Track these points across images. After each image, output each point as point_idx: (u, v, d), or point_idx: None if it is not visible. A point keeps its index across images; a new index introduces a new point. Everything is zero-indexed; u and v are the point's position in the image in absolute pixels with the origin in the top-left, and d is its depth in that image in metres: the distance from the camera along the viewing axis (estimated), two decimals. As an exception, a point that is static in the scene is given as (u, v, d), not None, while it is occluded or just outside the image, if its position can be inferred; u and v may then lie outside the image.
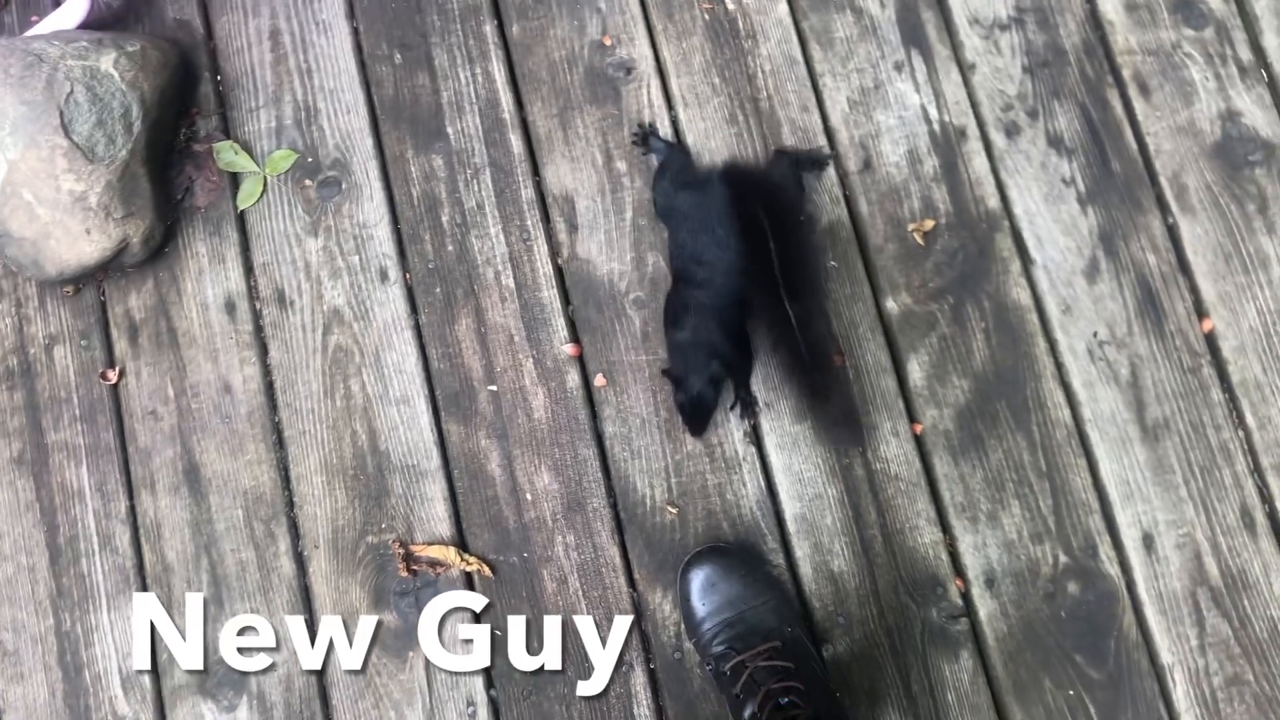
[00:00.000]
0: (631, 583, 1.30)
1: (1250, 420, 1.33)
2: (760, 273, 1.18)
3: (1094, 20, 1.44)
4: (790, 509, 1.31)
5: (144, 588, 1.31)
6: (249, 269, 1.39)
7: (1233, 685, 1.26)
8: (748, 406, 1.31)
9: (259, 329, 1.37)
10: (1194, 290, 1.36)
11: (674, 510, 1.31)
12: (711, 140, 1.40)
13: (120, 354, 1.36)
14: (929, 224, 1.37)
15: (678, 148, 1.35)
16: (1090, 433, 1.32)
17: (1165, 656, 1.27)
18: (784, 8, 1.44)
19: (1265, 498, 1.31)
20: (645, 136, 1.36)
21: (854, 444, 1.30)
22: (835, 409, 1.27)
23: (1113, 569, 1.29)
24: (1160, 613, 1.28)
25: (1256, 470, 1.32)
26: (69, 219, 1.26)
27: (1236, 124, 1.40)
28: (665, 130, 1.41)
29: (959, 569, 1.30)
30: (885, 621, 1.28)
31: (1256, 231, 1.38)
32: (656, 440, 1.33)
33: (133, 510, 1.33)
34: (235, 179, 1.40)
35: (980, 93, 1.42)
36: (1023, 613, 1.28)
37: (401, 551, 1.30)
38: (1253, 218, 1.38)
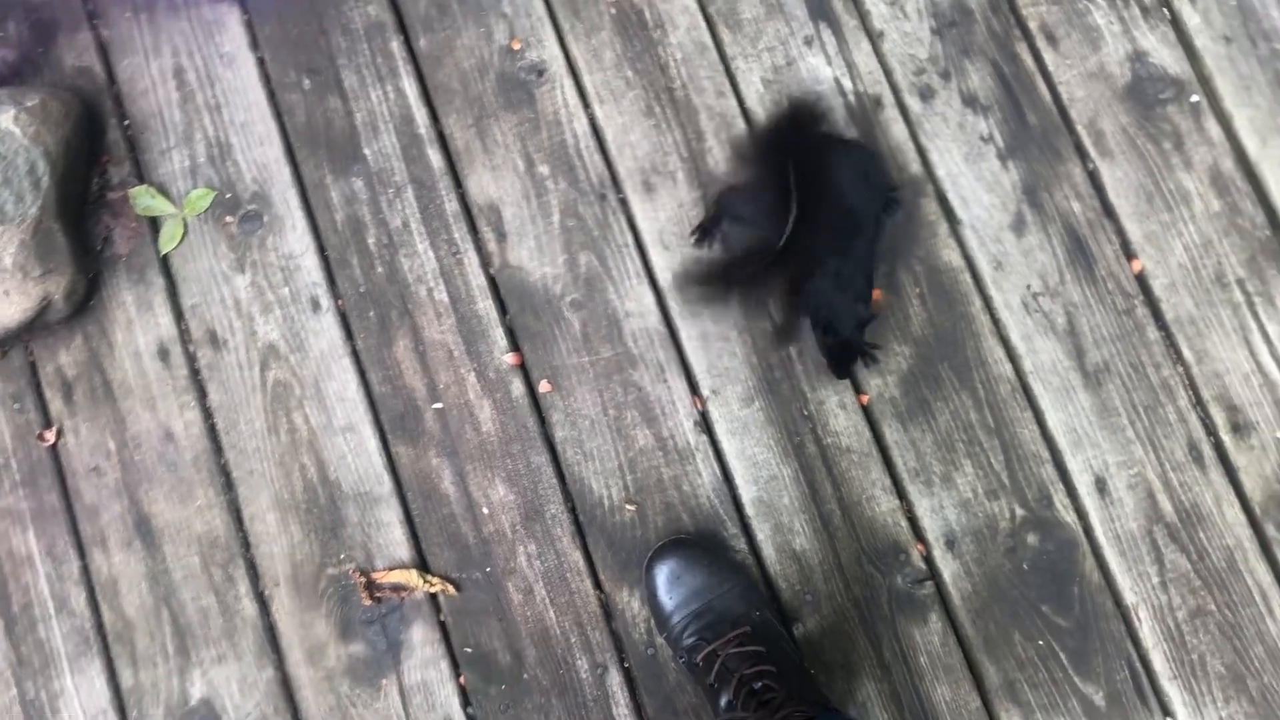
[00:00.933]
0: (598, 585, 1.30)
1: (1188, 355, 1.34)
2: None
3: (996, -24, 1.45)
4: (747, 493, 1.32)
5: (105, 647, 1.29)
6: (179, 313, 1.36)
7: (1196, 617, 1.28)
8: (867, 354, 1.34)
9: (195, 372, 1.35)
10: (1120, 233, 1.38)
11: (632, 507, 1.31)
12: (631, 133, 1.40)
13: (56, 413, 1.34)
14: None
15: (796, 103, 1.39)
16: (1033, 384, 1.33)
17: (1129, 596, 1.29)
18: (689, -6, 1.44)
19: (1210, 430, 1.33)
20: (705, 229, 1.38)
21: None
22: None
23: (1069, 516, 1.31)
24: (1120, 554, 1.30)
25: (1199, 404, 1.33)
26: (-15, 283, 1.24)
27: (1145, 64, 1.41)
28: (584, 128, 1.39)
29: (919, 533, 1.31)
30: (852, 594, 1.29)
31: (1175, 168, 1.39)
32: (608, 439, 1.33)
33: (86, 570, 1.31)
34: (155, 223, 1.38)
35: (891, 59, 1.43)
36: (985, 570, 1.29)
37: (363, 580, 1.29)
38: (1170, 155, 1.39)
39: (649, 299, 1.36)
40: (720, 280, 1.32)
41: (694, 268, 1.33)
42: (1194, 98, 1.41)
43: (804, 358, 1.34)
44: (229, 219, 1.38)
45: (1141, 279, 1.36)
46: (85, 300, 1.34)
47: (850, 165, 1.31)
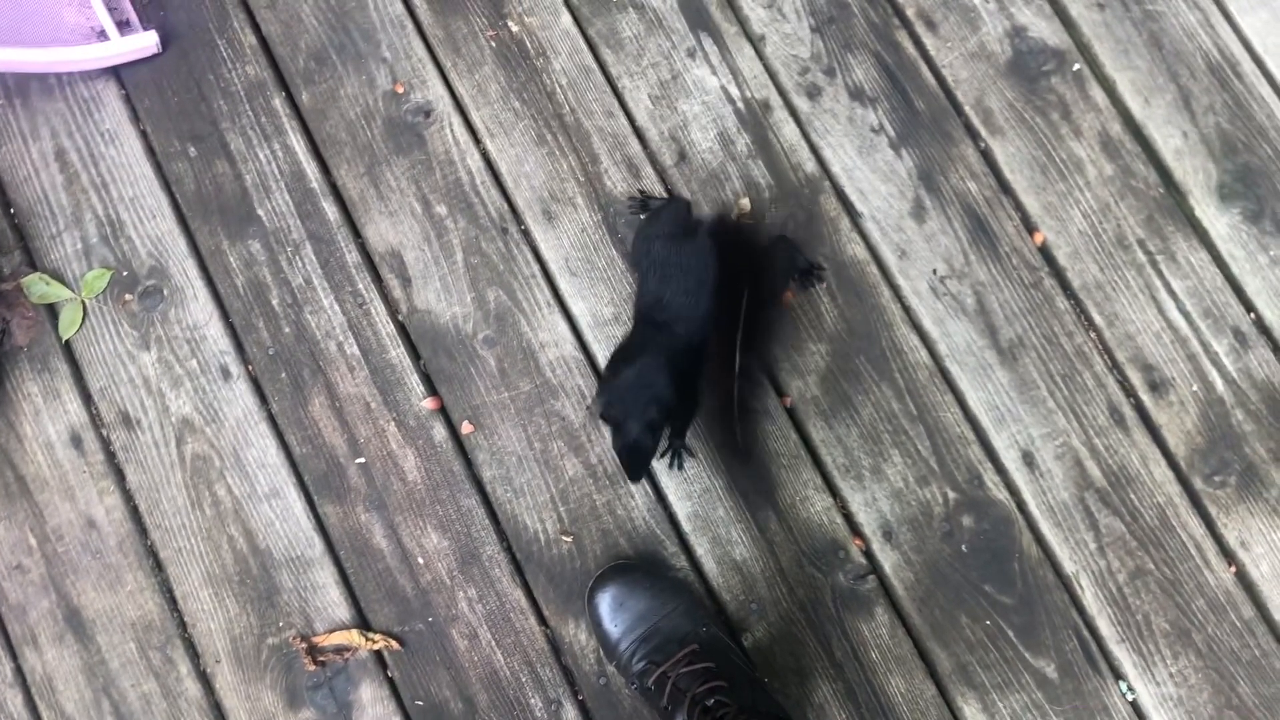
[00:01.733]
0: (542, 621, 1.29)
1: (1099, 320, 1.36)
2: (724, 328, 1.21)
3: (868, -32, 1.46)
4: (681, 509, 1.31)
5: (47, 747, 1.26)
6: (87, 397, 1.34)
7: (1136, 578, 1.29)
8: (677, 455, 1.30)
9: (111, 455, 1.33)
10: (1019, 207, 1.39)
11: (569, 539, 1.30)
12: (525, 164, 1.39)
13: (-30, 515, 1.31)
14: (745, 203, 1.37)
15: (678, 199, 1.35)
16: (950, 367, 1.34)
17: (1068, 566, 1.30)
18: (567, 19, 1.44)
19: (1128, 391, 1.34)
20: (644, 201, 1.36)
21: (765, 495, 1.32)
22: (751, 465, 1.31)
23: (1001, 494, 1.31)
24: (1055, 525, 1.31)
25: (1115, 367, 1.35)
26: (-125, 394, 1.21)
27: (1024, 38, 1.43)
28: (477, 164, 1.39)
29: (855, 529, 1.31)
30: (796, 597, 1.29)
31: (1065, 138, 1.41)
32: (537, 473, 1.32)
33: (19, 670, 1.28)
34: (53, 310, 1.36)
35: (775, 62, 1.43)
36: (925, 557, 1.30)
37: (304, 646, 1.27)
38: (1058, 125, 1.41)
39: (562, 327, 1.35)
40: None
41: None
42: (1075, 66, 1.43)
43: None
44: (128, 297, 1.36)
45: (1045, 250, 1.37)
46: (-12, 397, 1.31)
47: (673, 251, 1.24)
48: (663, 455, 1.29)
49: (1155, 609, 1.29)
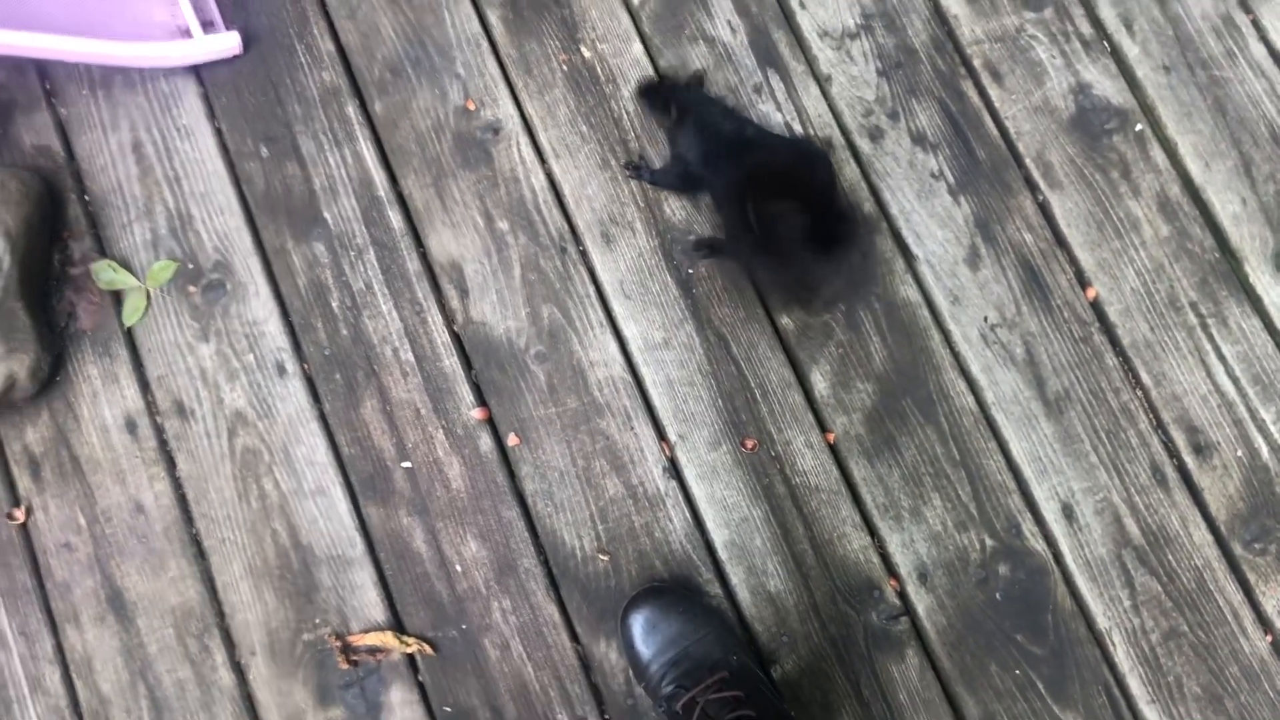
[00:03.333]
0: (574, 637, 1.30)
1: (1146, 379, 1.36)
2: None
3: (938, 16, 1.48)
4: (719, 537, 1.32)
5: (81, 725, 1.28)
6: (144, 385, 1.37)
7: (1170, 639, 1.29)
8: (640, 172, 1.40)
9: (163, 443, 1.35)
10: (1073, 262, 1.40)
11: (605, 557, 1.32)
12: (588, 186, 1.42)
13: (24, 491, 1.34)
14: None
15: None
16: (996, 415, 1.35)
17: (1102, 621, 1.30)
18: (639, 48, 1.47)
19: (1172, 452, 1.34)
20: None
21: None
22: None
23: (1039, 544, 1.32)
24: (1090, 580, 1.31)
25: (1159, 426, 1.35)
26: (-52, 365, 1.24)
27: (1088, 96, 1.45)
28: (541, 183, 1.41)
29: (891, 569, 1.31)
30: (828, 633, 1.29)
31: (1123, 196, 1.42)
32: (578, 490, 1.33)
33: (60, 647, 1.30)
34: (118, 297, 1.39)
35: (840, 102, 1.45)
36: (959, 602, 1.30)
37: (339, 644, 1.29)
38: (1118, 183, 1.42)
39: (613, 348, 1.37)
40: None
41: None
42: (1138, 126, 1.44)
43: (769, 397, 1.35)
44: (192, 289, 1.39)
45: (1096, 306, 1.38)
46: (51, 377, 1.35)
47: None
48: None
49: (1188, 672, 1.28)
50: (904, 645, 1.29)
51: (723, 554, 1.31)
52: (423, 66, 1.46)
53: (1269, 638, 1.28)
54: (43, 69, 1.44)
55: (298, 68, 1.46)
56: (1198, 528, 1.32)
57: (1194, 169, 1.42)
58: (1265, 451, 1.33)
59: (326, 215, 1.41)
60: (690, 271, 1.39)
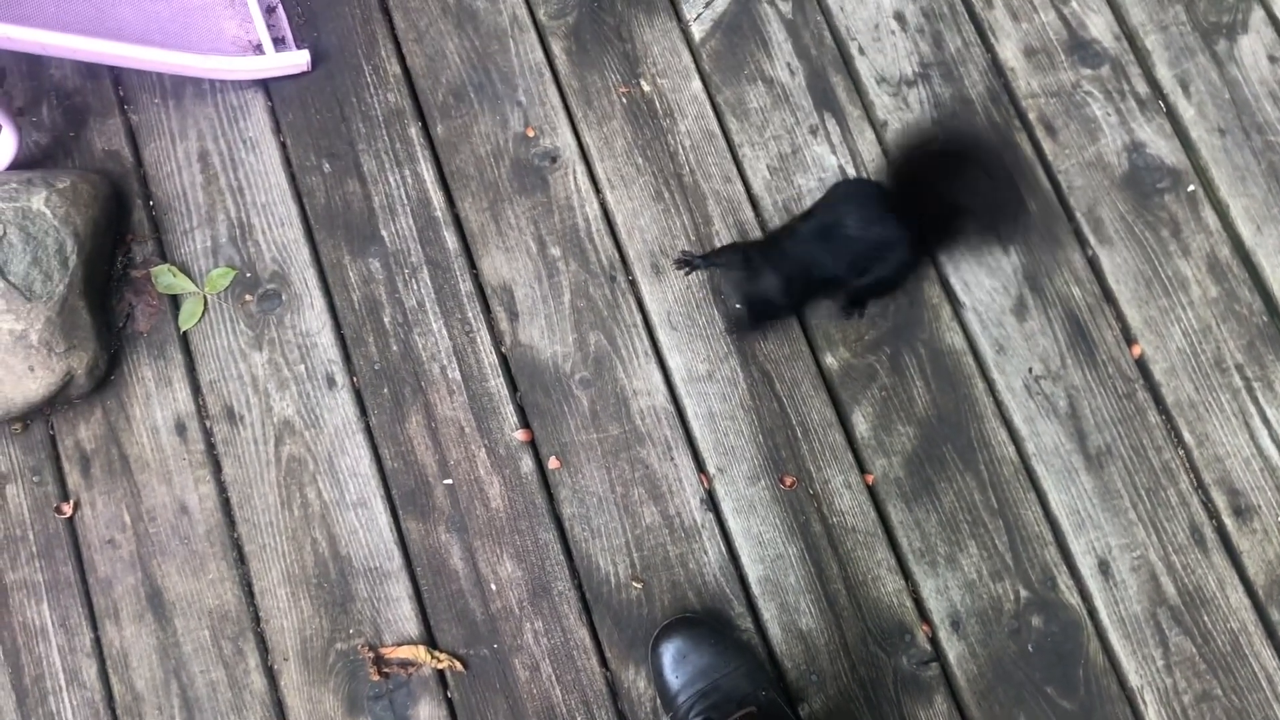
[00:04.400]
0: (604, 662, 1.31)
1: (1189, 438, 1.36)
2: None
3: (995, 68, 1.50)
4: (753, 572, 1.33)
5: (115, 719, 1.30)
6: (196, 388, 1.39)
7: (1202, 702, 1.28)
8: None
9: (211, 447, 1.38)
10: (1120, 318, 1.41)
11: (639, 585, 1.33)
12: (641, 218, 1.44)
13: (74, 486, 1.36)
14: None
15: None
16: (1036, 466, 1.35)
17: (1134, 679, 1.29)
18: (698, 84, 1.49)
19: (1211, 513, 1.34)
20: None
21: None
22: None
23: (1073, 598, 1.31)
24: (1124, 637, 1.30)
25: (1200, 487, 1.35)
26: (11, 358, 1.27)
27: (1142, 154, 1.46)
28: (595, 212, 1.44)
29: (924, 614, 1.32)
30: (858, 674, 1.30)
31: (1173, 255, 1.43)
32: (615, 517, 1.35)
33: (98, 642, 1.32)
34: (176, 301, 1.42)
35: (895, 148, 1.47)
36: (990, 651, 1.30)
37: (371, 655, 1.30)
38: (1167, 242, 1.43)
39: (657, 378, 1.39)
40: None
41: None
42: (1190, 187, 1.45)
43: (809, 436, 1.36)
44: (248, 297, 1.42)
45: (1142, 363, 1.39)
46: (106, 375, 1.38)
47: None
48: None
49: (1219, 736, 1.27)
50: (933, 691, 1.29)
51: (756, 589, 1.32)
52: (485, 92, 1.49)
53: (1303, 706, 1.27)
54: (117, 76, 1.48)
55: (364, 87, 1.49)
56: (1235, 590, 1.31)
57: (1245, 232, 1.43)
58: (1306, 518, 1.33)
59: (384, 233, 1.44)
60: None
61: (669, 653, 1.25)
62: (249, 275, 1.43)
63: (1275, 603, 1.30)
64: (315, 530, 1.34)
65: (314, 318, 1.41)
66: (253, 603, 1.33)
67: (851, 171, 1.45)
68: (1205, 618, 1.30)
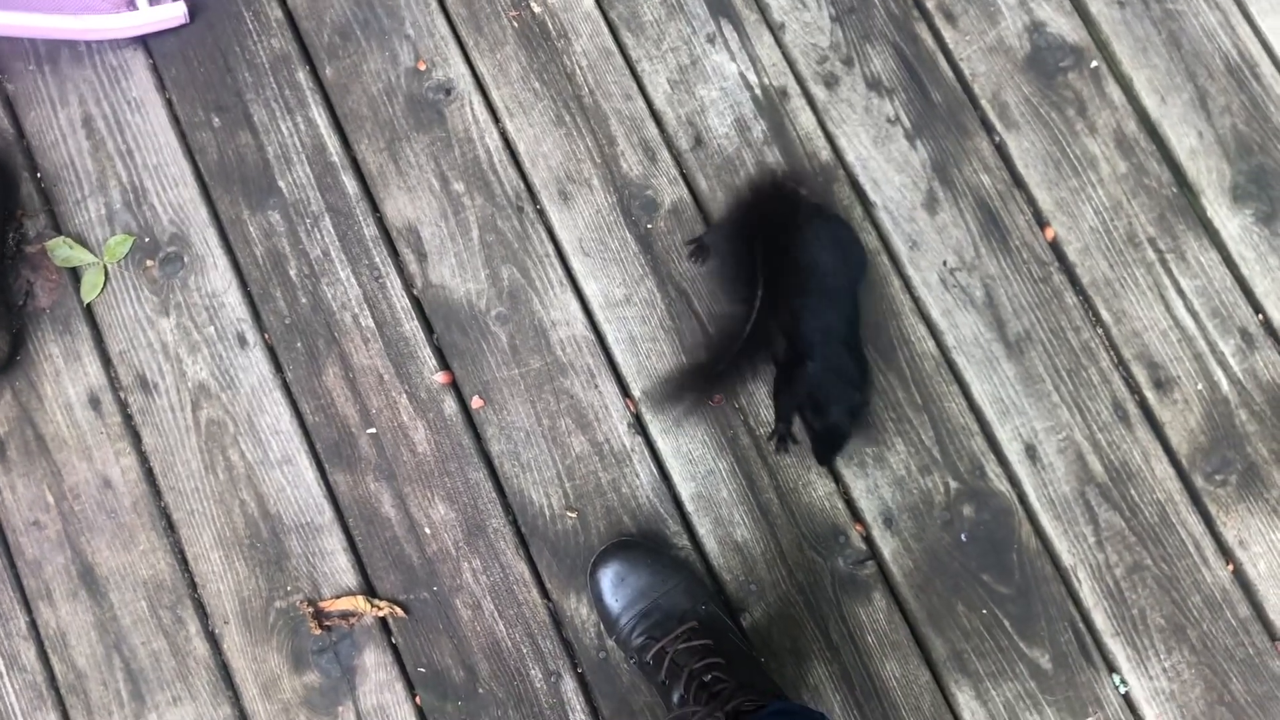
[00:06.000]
0: (545, 594, 1.31)
1: (1106, 316, 1.37)
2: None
3: (890, -41, 1.46)
4: (685, 490, 1.33)
5: (59, 699, 1.29)
6: (106, 360, 1.37)
7: (1134, 573, 1.30)
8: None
9: (128, 418, 1.35)
10: (1031, 202, 1.40)
11: (573, 514, 1.32)
12: (543, 144, 1.41)
13: (-10, 471, 1.34)
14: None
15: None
16: (957, 358, 1.35)
17: (1067, 559, 1.31)
18: (590, 2, 1.45)
19: (1133, 388, 1.35)
20: (700, 242, 1.38)
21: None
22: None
23: (1002, 485, 1.33)
24: (1055, 518, 1.32)
25: (1120, 363, 1.36)
26: (-97, 348, 1.24)
27: (1043, 34, 1.44)
28: (495, 142, 1.41)
29: (856, 514, 1.32)
30: (796, 580, 1.31)
31: (1080, 134, 1.42)
32: (544, 449, 1.34)
33: (33, 624, 1.31)
34: (76, 274, 1.38)
35: (794, 50, 1.44)
36: (924, 544, 1.31)
37: (311, 610, 1.30)
38: (1074, 121, 1.42)
39: (574, 306, 1.37)
40: (695, 387, 1.34)
41: (667, 383, 1.35)
42: (1093, 63, 1.43)
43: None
44: (150, 263, 1.38)
45: (1055, 246, 1.38)
46: (11, 356, 1.34)
47: (825, 239, 1.29)
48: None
49: (1151, 604, 1.30)
50: (871, 589, 1.30)
51: (689, 506, 1.32)
52: (371, 29, 1.44)
53: (1230, 567, 1.30)
54: (-13, 46, 1.43)
55: (246, 35, 1.44)
56: (1159, 462, 1.33)
57: (1150, 104, 1.42)
58: (1225, 384, 1.34)
59: (281, 184, 1.40)
60: (649, 227, 1.38)
61: (607, 577, 1.25)
62: (148, 240, 1.39)
63: (1199, 470, 1.32)
64: (242, 491, 1.33)
65: (218, 277, 1.38)
66: (187, 569, 1.32)
67: (753, 78, 1.42)
68: (1132, 491, 1.32)
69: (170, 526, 1.33)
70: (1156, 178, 1.40)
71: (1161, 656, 1.28)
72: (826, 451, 1.27)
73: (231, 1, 1.45)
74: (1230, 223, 1.39)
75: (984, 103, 1.42)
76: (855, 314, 1.31)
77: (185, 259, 1.38)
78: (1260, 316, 1.36)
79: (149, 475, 1.34)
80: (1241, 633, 1.29)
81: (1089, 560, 1.31)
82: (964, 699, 1.28)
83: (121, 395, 1.36)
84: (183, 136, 1.42)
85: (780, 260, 1.25)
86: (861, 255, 1.34)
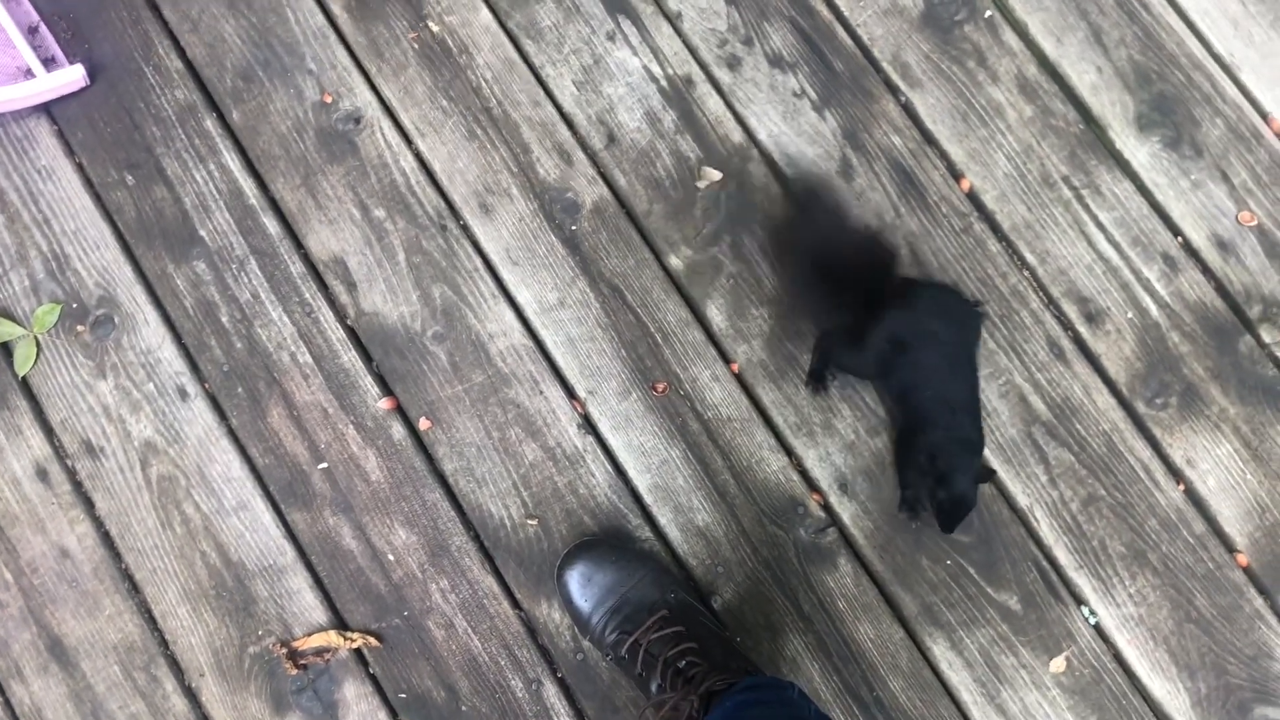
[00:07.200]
0: (515, 604, 1.32)
1: (1030, 258, 1.39)
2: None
3: (776, -64, 1.48)
4: (642, 482, 1.34)
5: (42, 775, 1.29)
6: (49, 430, 1.36)
7: (1089, 505, 1.33)
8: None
9: (78, 485, 1.35)
10: (944, 156, 1.42)
11: (534, 522, 1.33)
12: (458, 160, 1.42)
13: (-55, 557, 1.33)
14: (712, 172, 1.39)
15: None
16: (890, 319, 1.37)
17: (1022, 500, 1.33)
18: (486, 14, 1.46)
19: (1066, 325, 1.37)
20: (820, 374, 1.36)
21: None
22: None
23: (950, 436, 1.34)
24: (1006, 461, 1.34)
25: (1050, 302, 1.38)
26: None
27: (934, -9, 1.46)
28: (410, 164, 1.41)
29: (812, 484, 1.34)
30: (761, 556, 1.32)
31: (983, 84, 1.44)
32: (497, 462, 1.35)
33: (7, 704, 1.30)
34: (6, 348, 1.38)
35: (694, 37, 1.46)
36: (881, 505, 1.33)
37: (285, 651, 1.30)
38: (975, 72, 1.44)
39: (509, 316, 1.38)
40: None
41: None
42: (987, 13, 1.46)
43: (670, 339, 1.36)
44: (80, 328, 1.38)
45: (973, 196, 1.41)
46: (-50, 439, 1.33)
47: (941, 311, 1.30)
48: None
49: (1110, 533, 1.32)
50: (835, 555, 1.32)
51: (648, 498, 1.33)
52: (273, 68, 1.44)
53: (1181, 487, 1.32)
54: (-113, 132, 1.42)
55: (149, 90, 1.44)
56: (1100, 393, 1.35)
57: (1047, 46, 1.44)
58: (1154, 309, 1.37)
59: (202, 233, 1.40)
60: (574, 228, 1.39)
61: (574, 578, 1.26)
62: (75, 306, 1.38)
63: (1139, 396, 1.34)
64: (202, 543, 1.33)
65: (151, 334, 1.38)
66: (156, 628, 1.32)
67: (656, 69, 1.43)
68: (1078, 426, 1.34)
69: (134, 587, 1.33)
70: (1063, 117, 1.42)
71: (1126, 583, 1.31)
72: (950, 521, 1.26)
73: (130, 59, 1.45)
74: (1139, 152, 1.41)
75: (885, 65, 1.45)
76: (975, 384, 1.31)
77: (116, 320, 1.38)
78: (1179, 239, 1.39)
79: (106, 539, 1.34)
80: (1200, 549, 1.31)
81: (1044, 499, 1.33)
82: (939, 650, 1.29)
83: (68, 463, 1.35)
84: (98, 198, 1.42)
85: (906, 331, 1.28)
86: (974, 321, 1.34)
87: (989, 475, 1.30)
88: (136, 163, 1.42)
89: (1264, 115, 1.43)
